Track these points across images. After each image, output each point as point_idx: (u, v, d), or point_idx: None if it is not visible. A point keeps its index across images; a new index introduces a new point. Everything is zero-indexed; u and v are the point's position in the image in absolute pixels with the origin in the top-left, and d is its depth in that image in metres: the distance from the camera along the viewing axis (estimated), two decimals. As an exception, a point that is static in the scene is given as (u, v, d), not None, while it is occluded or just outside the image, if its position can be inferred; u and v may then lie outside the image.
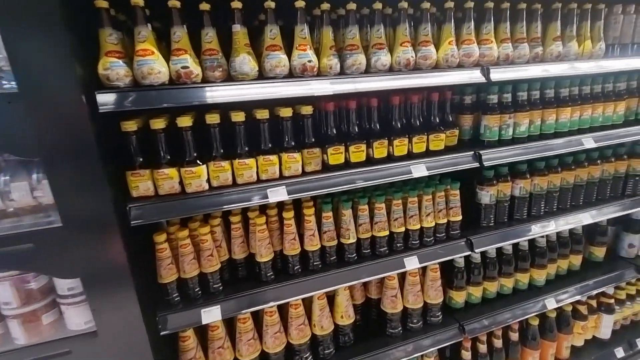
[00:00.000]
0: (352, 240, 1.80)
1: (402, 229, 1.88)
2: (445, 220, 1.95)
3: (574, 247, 2.55)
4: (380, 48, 1.61)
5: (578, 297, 2.37)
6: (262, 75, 1.51)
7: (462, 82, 1.70)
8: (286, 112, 1.54)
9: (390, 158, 1.75)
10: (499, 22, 1.81)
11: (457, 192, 1.96)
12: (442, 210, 1.95)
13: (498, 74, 1.71)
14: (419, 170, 1.73)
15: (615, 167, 2.36)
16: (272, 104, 1.56)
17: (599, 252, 2.67)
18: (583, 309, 2.66)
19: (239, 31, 1.42)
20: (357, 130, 1.70)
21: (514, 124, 1.95)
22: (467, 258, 2.15)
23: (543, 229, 2.14)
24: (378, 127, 1.73)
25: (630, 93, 2.22)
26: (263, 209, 1.76)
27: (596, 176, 2.32)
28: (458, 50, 1.71)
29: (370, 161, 1.72)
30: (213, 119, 1.45)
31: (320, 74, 1.57)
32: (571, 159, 2.23)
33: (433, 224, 1.93)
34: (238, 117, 1.48)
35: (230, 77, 1.48)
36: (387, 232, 1.85)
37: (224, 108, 1.54)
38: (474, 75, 1.70)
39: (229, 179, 1.51)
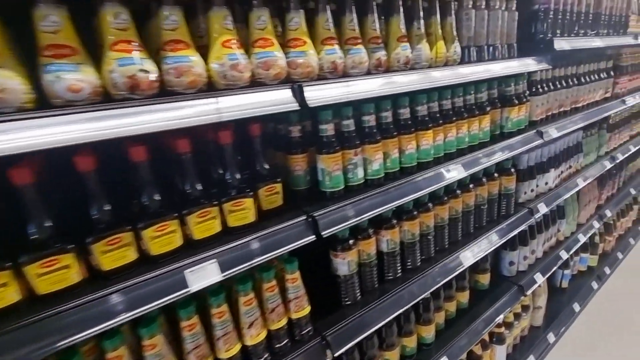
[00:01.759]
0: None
1: (207, 364, 1.00)
2: (284, 321, 1.13)
3: (459, 284, 2.13)
4: (61, 56, 0.68)
5: (475, 341, 1.95)
6: None
7: (258, 112, 0.88)
8: None
9: (146, 260, 0.85)
10: (316, 13, 1.04)
11: (297, 274, 1.14)
12: (277, 307, 1.10)
13: (317, 93, 0.94)
14: (205, 274, 0.85)
15: (488, 189, 1.97)
16: None
17: (484, 279, 2.30)
18: (477, 349, 2.26)
19: None
20: (49, 228, 0.73)
21: (364, 160, 1.23)
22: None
23: (426, 288, 1.49)
24: (110, 209, 0.79)
25: (493, 104, 1.69)
26: None
27: (471, 204, 1.89)
28: (247, 57, 0.90)
29: (100, 276, 0.80)
30: None
31: None
32: (442, 190, 1.61)
33: (264, 334, 1.09)
34: None
35: None
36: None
37: None
38: (281, 98, 0.90)
39: None
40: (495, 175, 1.85)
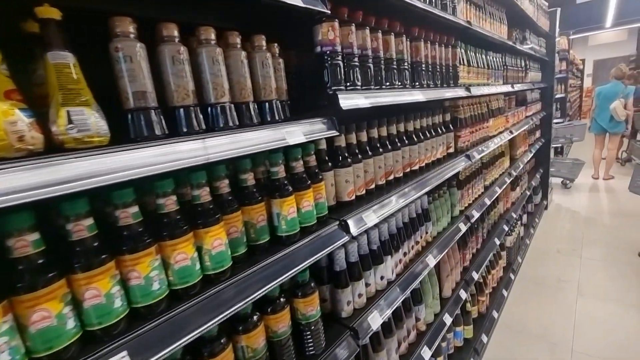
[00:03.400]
0: None
1: None
2: None
3: None
4: None
5: None
6: None
7: None
8: None
9: None
10: None
11: None
12: None
13: None
14: None
15: (269, 328, 1.14)
16: None
17: None
18: None
19: None
20: None
21: None
22: None
23: None
24: None
25: (245, 199, 0.94)
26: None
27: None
28: None
29: None
30: None
31: None
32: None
33: None
34: None
35: None
36: None
37: None
38: None
39: None
40: (281, 301, 1.11)
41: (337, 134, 1.13)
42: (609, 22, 11.74)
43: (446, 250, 2.06)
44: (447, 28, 2.09)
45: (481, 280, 2.89)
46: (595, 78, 15.08)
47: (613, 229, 4.59)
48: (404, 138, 1.77)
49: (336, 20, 1.22)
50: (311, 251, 1.08)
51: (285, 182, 1.05)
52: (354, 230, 1.23)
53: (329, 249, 1.12)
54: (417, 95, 1.62)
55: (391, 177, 1.66)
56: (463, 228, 2.29)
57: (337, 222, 1.21)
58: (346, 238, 1.19)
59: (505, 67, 3.35)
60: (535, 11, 4.24)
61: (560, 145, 7.08)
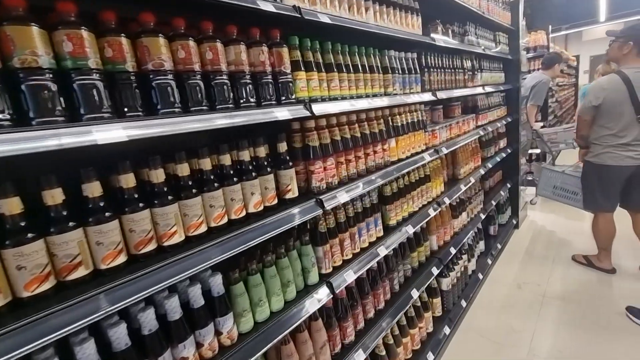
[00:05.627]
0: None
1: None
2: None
3: None
4: None
5: None
6: None
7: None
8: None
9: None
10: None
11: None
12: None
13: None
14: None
15: None
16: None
17: None
18: None
19: None
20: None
21: None
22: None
23: None
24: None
25: None
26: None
27: None
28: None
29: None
30: None
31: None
32: None
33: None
34: None
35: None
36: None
37: None
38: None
39: None
40: None
41: None
42: (602, 16, 10.64)
43: (268, 347, 1.30)
44: (263, 18, 1.34)
45: (383, 353, 2.10)
46: (592, 75, 13.92)
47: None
48: (153, 195, 1.03)
49: None
50: None
51: None
52: None
53: None
54: (110, 133, 0.88)
55: (109, 264, 0.92)
56: (314, 305, 1.52)
57: None
58: None
59: (427, 69, 2.56)
60: (483, 1, 3.42)
61: (539, 151, 6.14)
